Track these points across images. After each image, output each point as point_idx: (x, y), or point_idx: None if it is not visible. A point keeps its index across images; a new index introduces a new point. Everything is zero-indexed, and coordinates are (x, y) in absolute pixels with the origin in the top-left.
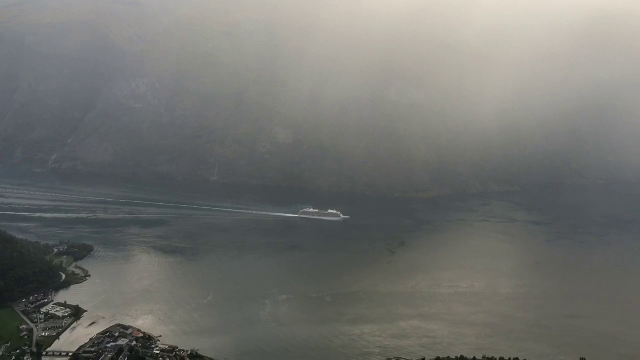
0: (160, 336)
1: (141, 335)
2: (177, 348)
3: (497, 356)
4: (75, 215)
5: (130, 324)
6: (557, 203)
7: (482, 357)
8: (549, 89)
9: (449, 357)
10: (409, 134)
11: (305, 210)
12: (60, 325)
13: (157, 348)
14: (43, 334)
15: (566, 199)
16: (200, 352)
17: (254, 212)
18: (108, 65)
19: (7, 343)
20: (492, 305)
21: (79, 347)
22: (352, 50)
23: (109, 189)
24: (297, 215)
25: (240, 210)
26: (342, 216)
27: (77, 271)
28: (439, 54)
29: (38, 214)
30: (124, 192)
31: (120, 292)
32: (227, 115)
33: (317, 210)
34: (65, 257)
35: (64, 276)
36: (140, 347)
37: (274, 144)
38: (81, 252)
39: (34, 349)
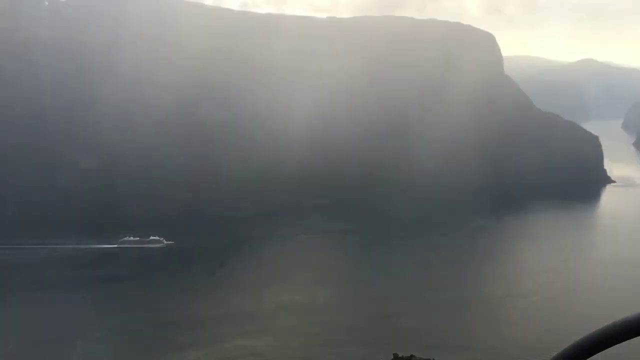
0: None
1: None
2: None
3: None
4: None
5: None
6: (366, 211)
7: None
8: (352, 106)
9: None
10: (223, 154)
11: (125, 239)
12: None
13: None
14: None
15: (373, 206)
16: None
17: (64, 246)
18: None
19: None
20: (313, 315)
21: None
22: (163, 70)
23: None
24: (115, 246)
25: (46, 246)
26: (165, 242)
27: None
28: (247, 74)
29: None
30: None
31: None
32: (22, 142)
33: (137, 238)
34: None
35: None
36: None
37: (78, 170)
38: None
39: None
